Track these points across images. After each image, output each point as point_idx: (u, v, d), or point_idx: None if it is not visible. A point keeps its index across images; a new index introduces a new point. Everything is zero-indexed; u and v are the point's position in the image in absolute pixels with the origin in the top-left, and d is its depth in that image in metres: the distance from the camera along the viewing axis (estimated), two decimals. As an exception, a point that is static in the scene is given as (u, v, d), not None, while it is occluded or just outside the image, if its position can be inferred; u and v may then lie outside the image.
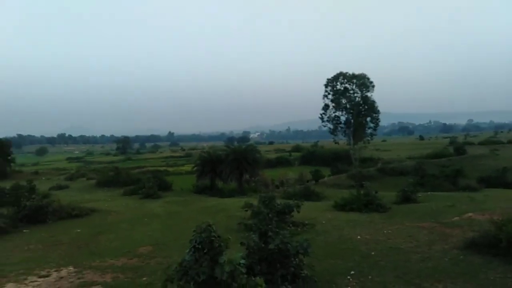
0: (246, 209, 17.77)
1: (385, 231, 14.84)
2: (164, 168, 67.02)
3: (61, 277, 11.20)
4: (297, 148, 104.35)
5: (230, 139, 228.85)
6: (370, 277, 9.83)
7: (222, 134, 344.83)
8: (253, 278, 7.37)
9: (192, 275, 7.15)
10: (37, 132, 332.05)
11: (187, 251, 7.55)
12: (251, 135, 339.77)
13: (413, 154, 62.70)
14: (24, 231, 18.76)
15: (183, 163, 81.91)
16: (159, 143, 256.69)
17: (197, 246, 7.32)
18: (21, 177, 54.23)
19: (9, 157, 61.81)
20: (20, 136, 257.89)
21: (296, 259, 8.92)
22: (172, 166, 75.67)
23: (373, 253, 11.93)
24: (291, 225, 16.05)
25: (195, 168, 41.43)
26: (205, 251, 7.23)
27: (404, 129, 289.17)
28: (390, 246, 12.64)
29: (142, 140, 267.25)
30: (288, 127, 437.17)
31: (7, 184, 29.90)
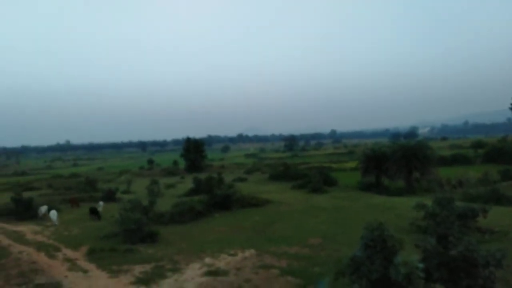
0: (418, 209, 16.46)
1: None
2: (328, 164, 67.98)
3: (245, 258, 13.00)
4: (478, 144, 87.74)
5: (395, 135, 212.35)
6: None
7: (386, 130, 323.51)
8: (432, 285, 6.88)
9: (364, 272, 7.18)
10: (221, 133, 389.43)
11: (359, 247, 7.60)
12: (420, 130, 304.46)
13: None
14: (216, 215, 22.53)
15: (346, 160, 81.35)
16: (322, 141, 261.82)
17: (369, 243, 7.30)
18: (212, 170, 65.03)
19: (202, 154, 75.13)
20: (209, 136, 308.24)
21: (486, 271, 7.77)
22: (336, 162, 76.05)
23: None
24: (476, 231, 13.98)
25: (359, 165, 40.64)
26: (377, 249, 7.15)
27: None
28: None
29: (307, 138, 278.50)
30: (466, 120, 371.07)
31: (202, 176, 36.35)
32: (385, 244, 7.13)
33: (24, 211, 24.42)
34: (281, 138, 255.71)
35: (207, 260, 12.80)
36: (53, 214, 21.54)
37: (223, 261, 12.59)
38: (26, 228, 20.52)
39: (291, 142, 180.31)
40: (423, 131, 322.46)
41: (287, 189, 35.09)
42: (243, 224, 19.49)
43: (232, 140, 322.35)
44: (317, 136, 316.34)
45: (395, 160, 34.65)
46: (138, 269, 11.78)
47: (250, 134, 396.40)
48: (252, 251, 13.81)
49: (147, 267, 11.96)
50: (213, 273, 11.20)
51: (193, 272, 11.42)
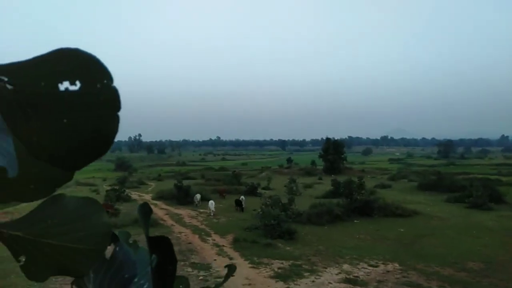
0: None
1: None
2: (496, 176, 57.05)
3: (388, 271, 11.95)
4: None
5: None
6: None
7: None
8: None
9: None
10: (363, 135, 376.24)
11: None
12: None
13: None
14: (355, 221, 21.53)
15: (522, 172, 66.72)
16: (489, 148, 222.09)
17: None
18: (351, 173, 62.94)
19: (342, 156, 73.54)
20: (350, 138, 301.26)
21: None
22: (506, 175, 63.16)
23: None
24: None
25: (542, 180, 32.77)
26: None
27: None
28: None
29: (468, 144, 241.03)
30: None
31: (341, 179, 35.37)
32: None
33: (183, 197, 28.52)
34: (434, 142, 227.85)
35: (345, 266, 12.33)
36: (211, 204, 24.31)
37: (362, 271, 11.92)
38: (184, 212, 23.95)
39: (446, 147, 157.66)
40: None
41: (440, 202, 30.89)
42: (386, 234, 18.01)
43: (375, 142, 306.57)
44: (481, 142, 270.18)
45: None
46: (277, 264, 12.17)
47: (396, 137, 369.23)
48: (396, 264, 12.65)
49: (285, 264, 12.25)
50: (352, 281, 10.67)
51: (330, 276, 11.12)
